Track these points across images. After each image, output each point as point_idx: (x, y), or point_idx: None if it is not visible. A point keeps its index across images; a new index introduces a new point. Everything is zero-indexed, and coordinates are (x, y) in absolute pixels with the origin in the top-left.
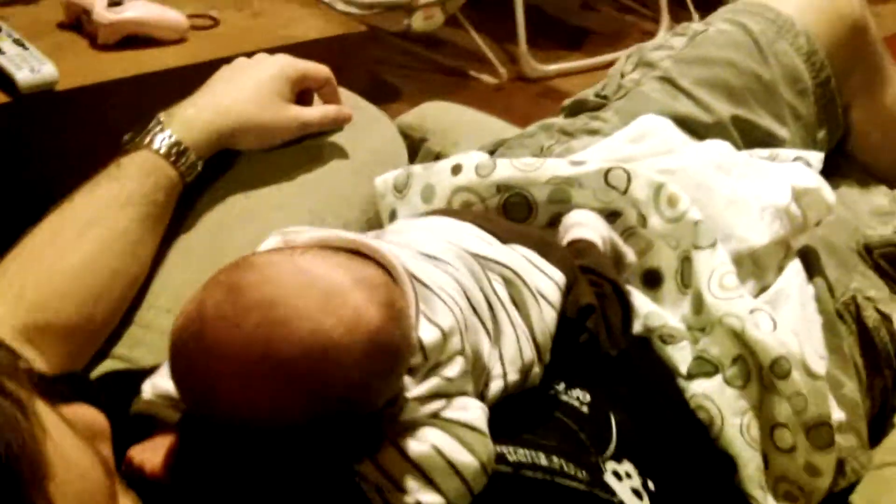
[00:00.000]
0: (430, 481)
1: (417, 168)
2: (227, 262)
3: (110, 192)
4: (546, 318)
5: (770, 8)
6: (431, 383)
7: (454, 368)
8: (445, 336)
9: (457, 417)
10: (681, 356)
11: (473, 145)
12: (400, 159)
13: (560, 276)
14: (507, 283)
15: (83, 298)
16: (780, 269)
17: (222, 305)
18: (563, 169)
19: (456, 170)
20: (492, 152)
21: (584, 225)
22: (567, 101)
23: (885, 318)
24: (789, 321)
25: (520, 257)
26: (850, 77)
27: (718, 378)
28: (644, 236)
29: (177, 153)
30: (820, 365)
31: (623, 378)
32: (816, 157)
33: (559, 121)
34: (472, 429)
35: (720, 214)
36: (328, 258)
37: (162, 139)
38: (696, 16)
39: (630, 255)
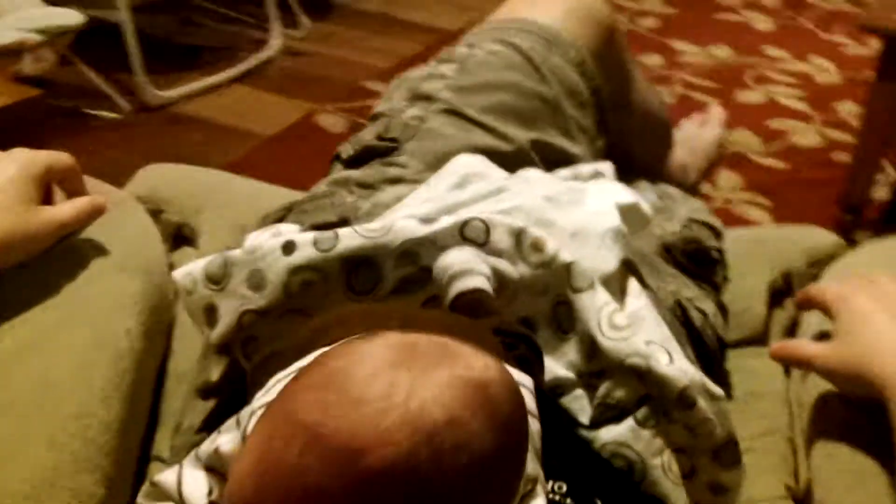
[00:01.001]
0: None
1: (235, 253)
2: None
3: None
4: (534, 431)
5: (532, 22)
6: None
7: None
8: None
9: None
10: (578, 406)
11: (222, 212)
12: (156, 241)
13: (529, 381)
14: None
15: None
16: (623, 290)
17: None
18: (415, 229)
19: (288, 249)
20: (280, 220)
21: (466, 272)
22: (346, 149)
23: (704, 314)
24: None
25: None
26: (609, 80)
27: (629, 421)
28: (508, 286)
29: None
30: (716, 386)
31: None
32: (608, 168)
33: (353, 174)
34: None
35: (566, 248)
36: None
37: None
38: (304, 19)
39: (508, 269)
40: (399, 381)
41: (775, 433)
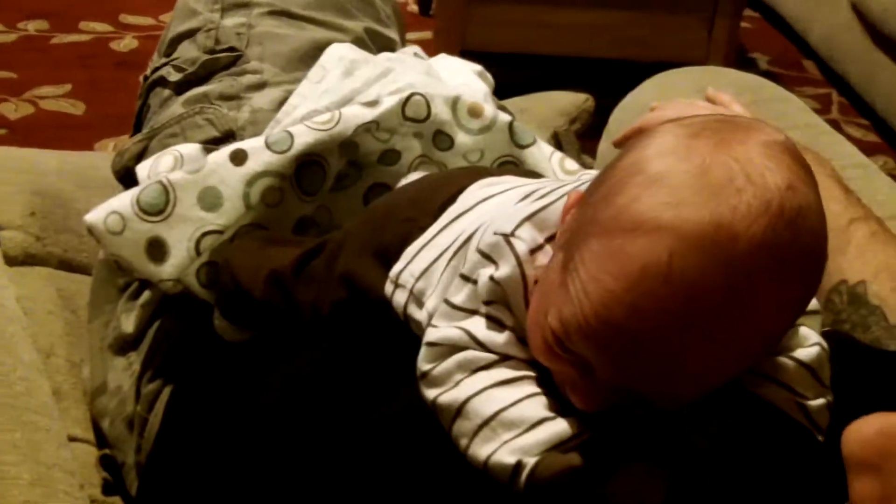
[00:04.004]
0: None
1: (175, 176)
2: None
3: None
4: None
5: None
6: None
7: None
8: None
9: None
10: None
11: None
12: None
13: None
14: None
15: None
16: None
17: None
18: (364, 113)
19: (238, 158)
20: (142, 151)
21: None
22: (169, 72)
23: None
24: None
25: None
26: None
27: None
28: (436, 161)
29: None
30: None
31: None
32: (419, 49)
33: (209, 89)
34: None
35: None
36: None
37: None
38: None
39: None
40: (728, 163)
41: None
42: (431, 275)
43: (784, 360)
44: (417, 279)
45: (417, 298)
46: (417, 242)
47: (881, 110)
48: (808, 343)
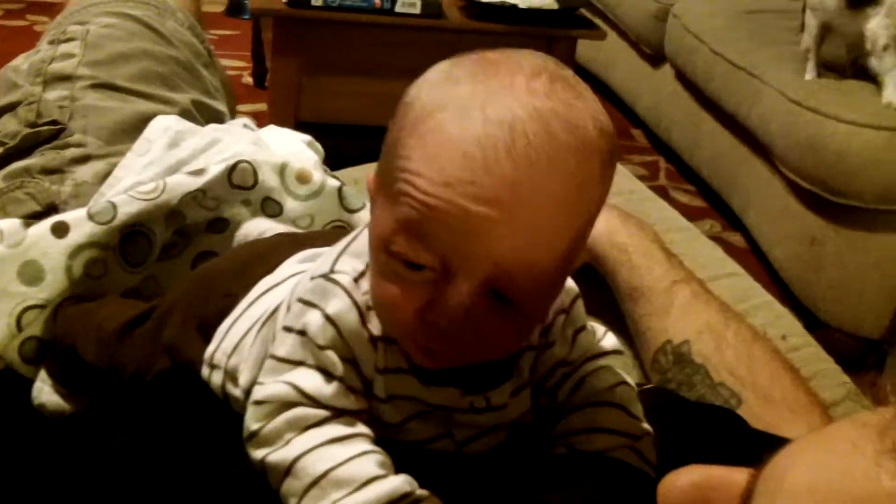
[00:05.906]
0: None
1: None
2: None
3: None
4: None
5: None
6: None
7: None
8: None
9: None
10: None
11: None
12: None
13: None
14: None
15: None
16: None
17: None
18: (189, 182)
19: (60, 230)
20: None
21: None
22: None
23: None
24: None
25: None
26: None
27: None
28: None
29: None
30: None
31: None
32: (249, 121)
33: (30, 163)
34: None
35: None
36: None
37: None
38: None
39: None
40: (495, 55)
41: None
42: (242, 349)
43: (598, 407)
44: (230, 357)
45: (232, 376)
46: (228, 320)
47: (706, 176)
48: (615, 382)
